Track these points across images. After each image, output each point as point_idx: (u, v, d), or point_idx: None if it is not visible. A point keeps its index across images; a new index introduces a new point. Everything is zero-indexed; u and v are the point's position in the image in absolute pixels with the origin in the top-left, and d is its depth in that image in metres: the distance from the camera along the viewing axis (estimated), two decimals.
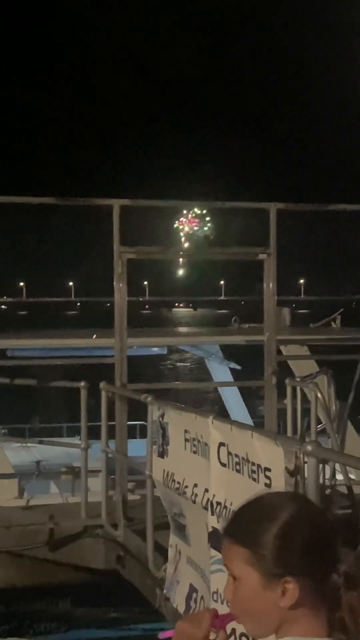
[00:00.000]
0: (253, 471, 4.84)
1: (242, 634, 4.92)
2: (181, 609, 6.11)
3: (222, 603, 5.25)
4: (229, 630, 5.36)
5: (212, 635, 2.10)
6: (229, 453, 5.18)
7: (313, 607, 2.00)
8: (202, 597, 5.70)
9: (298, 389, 9.48)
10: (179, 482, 6.09)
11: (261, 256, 9.00)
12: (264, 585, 2.01)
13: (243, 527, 2.09)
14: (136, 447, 9.11)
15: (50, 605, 9.97)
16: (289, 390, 9.40)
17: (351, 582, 1.97)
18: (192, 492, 5.80)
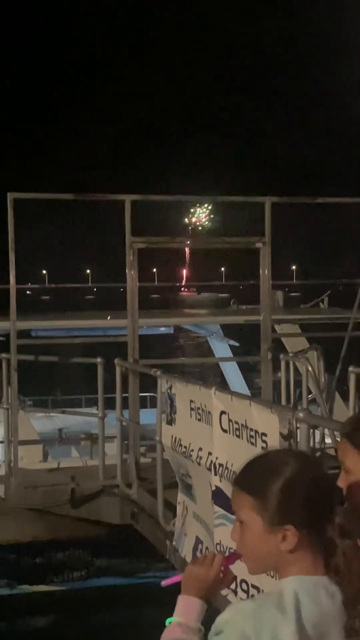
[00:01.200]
0: (251, 436, 4.85)
1: (242, 580, 4.98)
2: (188, 558, 6.09)
3: (225, 553, 5.33)
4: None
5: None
6: (230, 420, 5.19)
7: (311, 552, 2.02)
8: (206, 548, 5.69)
9: (291, 363, 9.48)
10: (185, 447, 6.10)
11: (257, 245, 8.99)
12: (267, 530, 2.03)
13: (252, 478, 2.11)
14: (147, 416, 9.12)
15: (72, 556, 10.03)
16: (282, 364, 9.41)
17: (344, 532, 2.00)
18: (197, 455, 5.81)
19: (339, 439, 3.37)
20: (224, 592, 5.14)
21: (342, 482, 2.32)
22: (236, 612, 1.99)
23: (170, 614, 2.14)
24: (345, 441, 2.40)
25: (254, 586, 4.66)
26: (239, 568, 5.14)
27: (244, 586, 4.86)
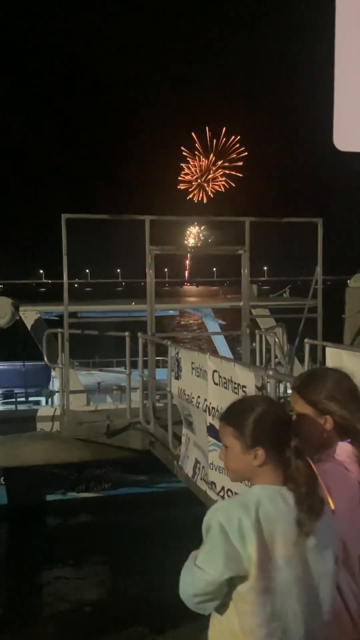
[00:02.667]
0: (235, 388, 4.85)
1: (228, 489, 4.98)
2: (190, 473, 6.11)
3: (215, 470, 5.26)
4: (218, 488, 5.39)
5: None
6: (220, 376, 5.18)
7: (273, 467, 2.06)
8: (202, 467, 5.69)
9: (263, 336, 9.49)
10: (188, 395, 6.10)
11: (240, 252, 8.98)
12: (243, 451, 2.09)
13: (233, 414, 2.15)
14: (161, 373, 9.12)
15: (107, 472, 10.00)
16: (257, 337, 9.40)
17: (298, 453, 2.04)
18: (197, 401, 5.81)
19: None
20: (214, 497, 5.20)
21: (295, 423, 2.30)
22: (214, 510, 2.06)
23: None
24: (295, 393, 2.40)
25: (235, 493, 4.69)
26: (224, 480, 5.22)
27: (229, 493, 4.91)
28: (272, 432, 2.07)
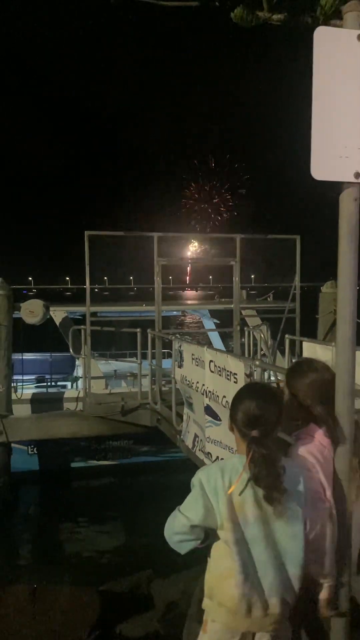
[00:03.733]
0: (227, 375, 4.85)
1: (221, 459, 4.94)
2: (190, 445, 6.12)
3: (211, 443, 5.26)
4: (214, 457, 5.34)
5: None
6: (215, 365, 5.17)
7: (243, 444, 2.07)
8: (200, 440, 5.71)
9: (251, 333, 9.53)
10: (189, 381, 6.10)
11: (231, 263, 9.01)
12: (231, 429, 2.14)
13: (231, 406, 2.17)
14: (166, 363, 9.15)
15: (122, 444, 9.99)
16: (246, 333, 9.46)
17: (256, 441, 2.02)
18: (196, 386, 5.81)
19: (280, 377, 3.38)
20: (207, 462, 5.20)
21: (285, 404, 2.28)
22: (199, 471, 2.12)
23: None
24: (284, 380, 2.41)
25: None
26: (218, 450, 5.15)
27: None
28: (241, 420, 2.08)
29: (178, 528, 2.05)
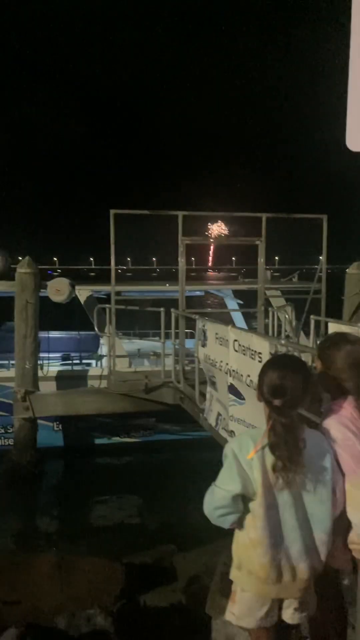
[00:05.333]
0: (252, 354, 4.82)
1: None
2: (213, 423, 6.13)
3: (234, 421, 5.26)
4: (237, 435, 5.31)
5: None
6: (240, 345, 5.14)
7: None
8: (223, 418, 5.71)
9: (275, 313, 9.46)
10: (212, 360, 6.06)
11: (257, 242, 8.90)
12: (259, 400, 2.14)
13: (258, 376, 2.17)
14: (190, 343, 9.15)
15: (145, 421, 10.06)
16: (270, 314, 9.39)
17: (278, 411, 2.04)
18: (219, 365, 5.77)
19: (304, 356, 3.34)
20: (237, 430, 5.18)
21: (317, 376, 2.32)
22: (230, 441, 2.16)
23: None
24: (317, 353, 2.40)
25: None
26: (241, 428, 5.14)
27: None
28: (266, 390, 2.09)
29: (219, 502, 2.06)
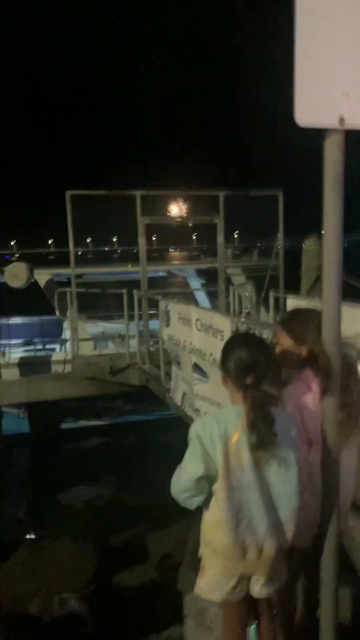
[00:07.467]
0: (214, 332, 4.85)
1: (205, 412, 5.04)
2: (179, 403, 6.14)
3: (200, 400, 5.28)
4: (202, 413, 5.35)
5: None
6: (202, 324, 5.17)
7: (240, 393, 2.09)
8: (189, 397, 5.71)
9: (236, 291, 9.52)
10: (176, 339, 6.09)
11: (215, 221, 8.90)
12: (224, 380, 2.15)
13: (221, 356, 2.18)
14: (154, 324, 9.11)
15: (111, 404, 10.09)
16: (231, 292, 9.44)
17: (251, 386, 2.05)
18: (183, 344, 5.81)
19: (263, 333, 3.38)
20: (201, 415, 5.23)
21: (277, 351, 2.33)
22: (195, 423, 2.13)
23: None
24: (280, 326, 2.40)
25: None
26: (206, 406, 5.17)
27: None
28: (234, 369, 2.10)
29: (184, 484, 2.07)
